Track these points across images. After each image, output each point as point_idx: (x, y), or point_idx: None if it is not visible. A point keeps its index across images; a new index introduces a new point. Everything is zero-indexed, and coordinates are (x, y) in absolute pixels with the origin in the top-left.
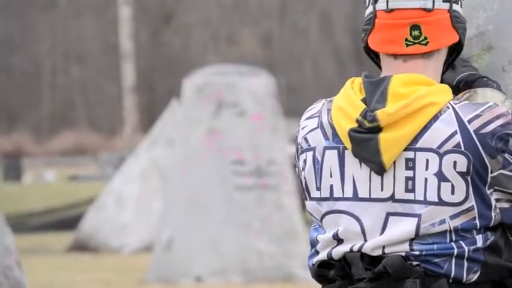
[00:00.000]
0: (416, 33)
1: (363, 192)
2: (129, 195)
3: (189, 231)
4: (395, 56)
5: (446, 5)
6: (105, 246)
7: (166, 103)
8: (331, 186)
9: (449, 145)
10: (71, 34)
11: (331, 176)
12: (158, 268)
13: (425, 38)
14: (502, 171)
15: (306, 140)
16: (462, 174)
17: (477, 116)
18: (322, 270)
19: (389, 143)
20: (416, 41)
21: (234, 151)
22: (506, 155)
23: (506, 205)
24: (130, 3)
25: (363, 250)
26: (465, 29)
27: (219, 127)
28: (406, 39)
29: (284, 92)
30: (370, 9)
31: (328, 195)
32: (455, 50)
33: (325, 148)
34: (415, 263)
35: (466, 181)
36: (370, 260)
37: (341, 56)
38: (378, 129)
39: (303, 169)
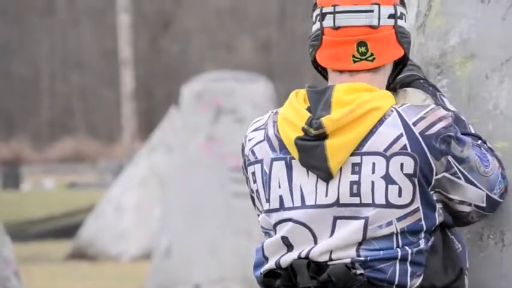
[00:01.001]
0: (363, 49)
1: (309, 200)
2: (128, 203)
3: (188, 238)
4: (341, 71)
5: (391, 21)
6: (104, 253)
7: (165, 110)
8: (281, 196)
9: (395, 148)
10: (69, 40)
11: (279, 187)
12: (157, 276)
13: (372, 54)
14: (445, 174)
15: (252, 152)
16: (409, 176)
17: (421, 118)
18: (268, 279)
19: (336, 149)
20: (363, 58)
21: (232, 158)
22: (449, 158)
23: (438, 206)
24: (129, 10)
25: (311, 255)
26: (409, 43)
27: (217, 134)
28: (353, 56)
29: (283, 98)
30: (317, 25)
31: (278, 206)
32: (399, 63)
33: (273, 160)
34: (359, 271)
35: (413, 183)
36: (317, 268)
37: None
38: (324, 136)
39: (254, 182)
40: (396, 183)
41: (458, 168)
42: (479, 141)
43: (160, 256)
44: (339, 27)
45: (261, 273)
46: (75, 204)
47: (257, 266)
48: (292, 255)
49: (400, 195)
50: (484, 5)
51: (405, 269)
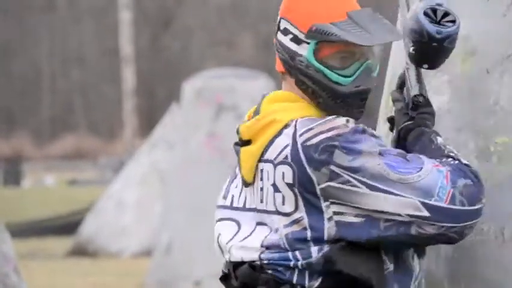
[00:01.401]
0: None
1: (241, 202)
2: (129, 199)
3: (189, 234)
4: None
5: (276, 32)
6: (104, 250)
7: (166, 107)
8: (233, 196)
9: (280, 157)
10: (70, 38)
11: (236, 187)
12: (158, 272)
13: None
14: (329, 183)
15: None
16: (289, 186)
17: (308, 130)
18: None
19: (246, 157)
20: None
21: (233, 154)
22: (332, 167)
23: (351, 219)
24: (130, 8)
25: (232, 259)
26: (284, 60)
27: (218, 130)
28: None
29: None
30: None
31: (229, 204)
32: None
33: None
34: (265, 272)
35: (294, 192)
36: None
37: None
38: (245, 143)
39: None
40: (280, 191)
41: (351, 176)
42: (397, 152)
43: (161, 252)
44: None
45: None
46: (76, 201)
47: None
48: (224, 258)
49: (283, 203)
50: (484, 2)
51: (303, 273)
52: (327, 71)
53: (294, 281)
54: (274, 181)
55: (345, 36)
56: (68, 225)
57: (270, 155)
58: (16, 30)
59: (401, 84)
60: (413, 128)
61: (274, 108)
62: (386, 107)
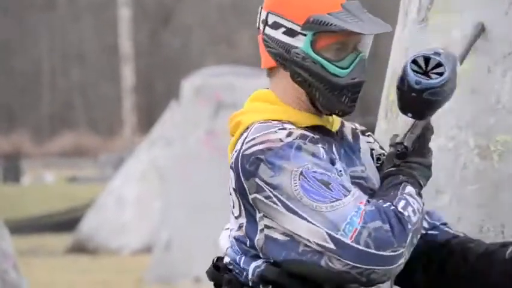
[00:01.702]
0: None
1: None
2: (129, 196)
3: (188, 231)
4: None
5: (262, 27)
6: (104, 247)
7: (165, 104)
8: None
9: (231, 161)
10: (70, 35)
11: None
12: (157, 269)
13: (261, 57)
14: (256, 195)
15: None
16: (234, 191)
17: (252, 139)
18: None
19: (229, 150)
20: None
21: None
22: (257, 180)
23: (278, 236)
24: (130, 5)
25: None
26: (281, 56)
27: (217, 128)
28: None
29: None
30: None
31: None
32: None
33: None
34: (228, 272)
35: (237, 198)
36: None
37: None
38: None
39: None
40: (231, 195)
41: (272, 192)
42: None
43: (160, 249)
44: None
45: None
46: (76, 198)
47: None
48: None
49: (233, 206)
50: (486, 0)
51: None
52: (324, 62)
53: (250, 284)
54: (230, 184)
55: (345, 25)
56: (67, 222)
57: (230, 157)
58: (16, 28)
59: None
60: (393, 175)
61: (246, 109)
62: (386, 104)
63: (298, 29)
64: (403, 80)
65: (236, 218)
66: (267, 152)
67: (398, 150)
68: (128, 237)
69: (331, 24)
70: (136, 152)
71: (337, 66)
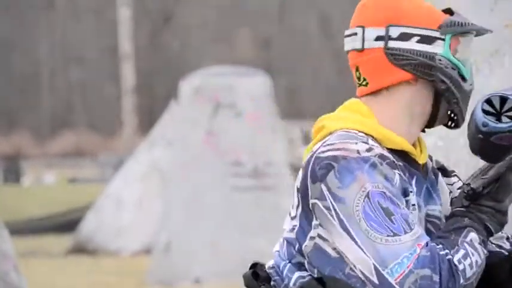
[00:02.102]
0: (357, 74)
1: None
2: (129, 197)
3: (188, 232)
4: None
5: (380, 43)
6: (104, 248)
7: (165, 104)
8: None
9: (304, 162)
10: (69, 35)
11: None
12: (157, 270)
13: (365, 79)
14: (317, 201)
15: None
16: (298, 191)
17: (332, 143)
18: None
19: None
20: (359, 83)
21: (231, 152)
22: (322, 186)
23: (327, 249)
24: (130, 5)
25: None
26: (421, 65)
27: (216, 128)
28: (357, 81)
29: (282, 93)
30: None
31: None
32: (442, 92)
33: None
34: (266, 282)
35: (298, 198)
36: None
37: (341, 57)
38: None
39: None
40: (294, 195)
41: (332, 204)
42: (407, 228)
43: (160, 251)
44: (347, 52)
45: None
46: (76, 199)
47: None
48: None
49: (293, 206)
50: None
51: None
52: (461, 67)
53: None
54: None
55: (475, 26)
56: (67, 224)
57: None
58: (16, 28)
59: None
60: (458, 216)
61: (335, 115)
62: None
63: (435, 34)
64: (471, 120)
65: (292, 219)
66: (340, 160)
67: (465, 192)
68: (128, 239)
69: (468, 24)
70: (136, 153)
71: (466, 72)
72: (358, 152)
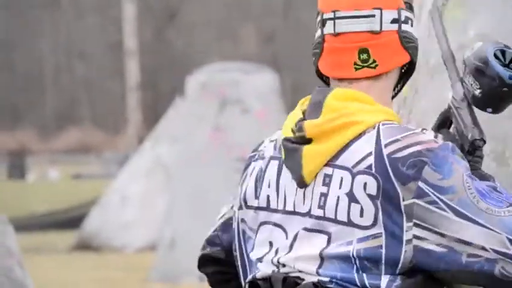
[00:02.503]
0: (364, 56)
1: (289, 205)
2: (133, 194)
3: (193, 229)
4: (340, 79)
5: (395, 26)
6: (109, 244)
7: (170, 101)
8: (268, 196)
9: (362, 166)
10: (74, 32)
11: (268, 186)
12: (162, 267)
13: (374, 61)
14: (415, 200)
15: (263, 150)
16: (371, 197)
17: (396, 140)
18: None
19: (311, 156)
20: (365, 65)
21: (238, 148)
22: (420, 184)
23: (431, 247)
24: (134, 2)
25: (283, 271)
26: (416, 48)
27: (223, 124)
28: (355, 63)
29: (288, 89)
30: (318, 32)
31: (265, 205)
32: (408, 69)
33: (271, 158)
34: None
35: (375, 205)
36: (293, 284)
37: None
38: (306, 141)
39: (249, 175)
40: (359, 203)
41: (438, 198)
42: (497, 183)
43: (165, 247)
44: (339, 34)
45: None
46: (80, 195)
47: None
48: (268, 268)
49: (361, 215)
50: (503, 0)
51: None
52: None
53: None
54: (351, 190)
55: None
56: (72, 220)
57: (345, 161)
58: (20, 25)
59: (443, 124)
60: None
61: (351, 110)
62: (398, 101)
63: (412, 16)
64: (492, 76)
65: (364, 228)
66: (428, 153)
67: (480, 146)
68: (133, 235)
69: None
70: (140, 149)
71: None
72: (435, 141)
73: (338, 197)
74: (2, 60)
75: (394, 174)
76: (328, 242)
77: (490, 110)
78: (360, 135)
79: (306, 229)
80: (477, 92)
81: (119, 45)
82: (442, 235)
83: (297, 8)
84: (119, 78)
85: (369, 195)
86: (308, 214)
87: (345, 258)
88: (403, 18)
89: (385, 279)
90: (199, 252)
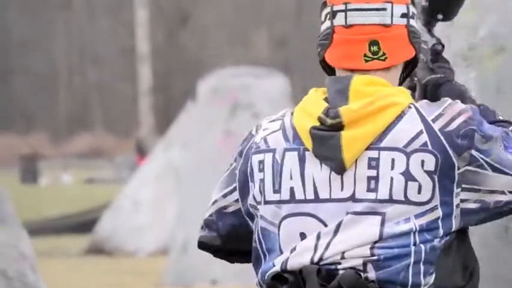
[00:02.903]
0: (375, 48)
1: (323, 194)
2: (145, 198)
3: None
4: (353, 70)
5: (404, 21)
6: (121, 249)
7: (182, 105)
8: (292, 188)
9: (415, 144)
10: (86, 36)
11: (291, 178)
12: (174, 271)
13: (384, 54)
14: (467, 167)
15: (265, 140)
16: (429, 174)
17: (440, 115)
18: (274, 282)
19: (351, 141)
20: (375, 57)
21: None
22: (472, 152)
23: (472, 206)
24: (147, 5)
25: (325, 255)
26: (420, 43)
27: (234, 129)
28: (365, 55)
29: (299, 93)
30: (327, 24)
31: (288, 198)
32: (410, 64)
33: (285, 150)
34: (370, 274)
35: (433, 180)
36: (326, 275)
37: None
38: (339, 127)
39: (260, 170)
40: (416, 180)
41: (484, 160)
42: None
43: (177, 251)
44: (350, 25)
45: (264, 277)
46: (93, 199)
47: (264, 272)
48: (303, 258)
49: (419, 192)
50: None
51: (418, 268)
52: None
53: (409, 282)
54: (407, 169)
55: None
56: (84, 224)
57: (393, 142)
58: (32, 28)
59: None
60: (443, 82)
61: (385, 92)
62: None
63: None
64: None
65: (422, 204)
66: (471, 122)
67: (439, 49)
68: (145, 239)
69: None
70: (152, 153)
71: None
72: (466, 107)
73: (392, 178)
74: (16, 64)
75: (450, 147)
76: (383, 222)
77: (440, 16)
78: (400, 116)
79: (354, 213)
80: (424, 1)
81: (131, 50)
82: (479, 190)
83: (309, 12)
84: (131, 82)
85: (427, 172)
86: (352, 199)
87: (403, 235)
88: (410, 14)
89: (437, 240)
90: (198, 231)
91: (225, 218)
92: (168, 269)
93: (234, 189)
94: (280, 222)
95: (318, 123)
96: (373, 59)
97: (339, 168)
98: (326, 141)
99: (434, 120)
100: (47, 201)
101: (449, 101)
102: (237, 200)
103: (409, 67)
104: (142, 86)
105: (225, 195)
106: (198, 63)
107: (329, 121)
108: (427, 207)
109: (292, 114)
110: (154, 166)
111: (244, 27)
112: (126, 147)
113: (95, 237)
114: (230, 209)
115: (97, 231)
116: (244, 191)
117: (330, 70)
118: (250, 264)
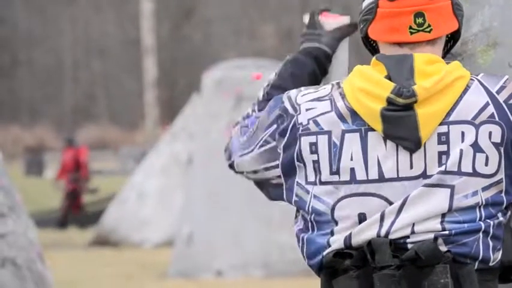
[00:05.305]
0: (420, 20)
1: (389, 173)
2: (150, 190)
3: (210, 225)
4: (400, 44)
5: None
6: (126, 240)
7: (187, 97)
8: (352, 169)
9: (483, 116)
10: (92, 28)
11: (351, 159)
12: (179, 262)
13: (429, 25)
14: None
15: (315, 122)
16: (496, 145)
17: (503, 87)
18: (335, 260)
19: (427, 118)
20: (420, 29)
21: None
22: None
23: None
24: None
25: (393, 229)
26: (463, 16)
27: None
28: (410, 27)
29: None
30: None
31: (348, 179)
32: (452, 37)
33: (344, 131)
34: (444, 248)
35: (499, 152)
36: (395, 248)
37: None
38: (411, 106)
39: (312, 152)
40: (484, 152)
41: None
42: None
43: (182, 243)
44: None
45: (323, 256)
46: (99, 191)
47: (317, 252)
48: (369, 233)
49: (486, 164)
50: None
51: (487, 243)
52: None
53: (480, 255)
54: (476, 141)
55: None
56: (90, 216)
57: (461, 115)
58: (38, 21)
59: None
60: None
61: (449, 68)
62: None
63: None
64: None
65: (488, 176)
66: None
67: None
68: (150, 231)
69: None
70: (158, 145)
71: None
72: None
73: (461, 150)
74: (21, 56)
75: None
76: (452, 194)
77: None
78: (465, 89)
79: (424, 185)
80: None
81: (137, 42)
82: None
83: (315, 4)
84: (136, 75)
85: (494, 143)
86: (422, 176)
87: (470, 209)
88: None
89: (501, 215)
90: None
91: (269, 187)
92: (173, 261)
93: (276, 166)
94: (337, 202)
95: (385, 104)
96: (419, 31)
97: (414, 147)
98: (401, 120)
99: (498, 92)
100: (52, 193)
101: (506, 75)
102: (279, 176)
103: (451, 41)
104: (148, 78)
105: (267, 169)
106: (203, 55)
107: (401, 101)
108: (494, 179)
109: (342, 95)
110: (159, 158)
111: (249, 19)
112: (131, 139)
113: (101, 228)
114: (273, 181)
115: (102, 222)
116: (288, 169)
117: (371, 47)
118: (255, 256)
